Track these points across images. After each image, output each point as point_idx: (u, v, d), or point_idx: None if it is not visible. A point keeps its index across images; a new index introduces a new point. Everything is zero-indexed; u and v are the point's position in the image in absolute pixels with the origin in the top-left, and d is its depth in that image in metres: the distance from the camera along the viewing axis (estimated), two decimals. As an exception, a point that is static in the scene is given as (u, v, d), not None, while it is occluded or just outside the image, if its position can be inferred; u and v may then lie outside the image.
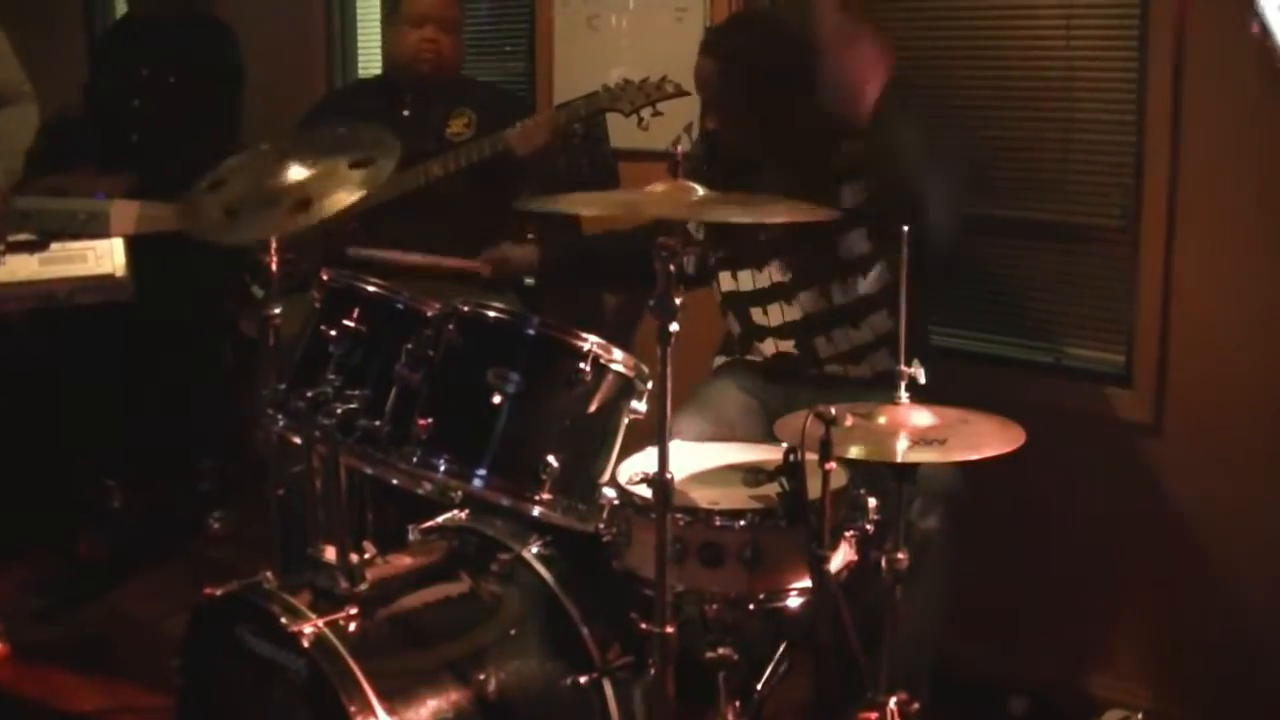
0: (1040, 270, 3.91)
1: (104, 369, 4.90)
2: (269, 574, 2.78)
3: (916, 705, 2.66)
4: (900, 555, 2.58)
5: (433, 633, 2.81)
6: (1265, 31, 2.21)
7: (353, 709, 2.51)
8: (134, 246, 4.55)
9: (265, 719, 2.73)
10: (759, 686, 2.97)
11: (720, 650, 2.68)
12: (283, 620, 2.61)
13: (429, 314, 2.83)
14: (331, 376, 2.80)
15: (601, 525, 2.77)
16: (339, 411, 2.72)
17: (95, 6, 6.88)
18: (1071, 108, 3.75)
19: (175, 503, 5.13)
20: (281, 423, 2.97)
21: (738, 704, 2.75)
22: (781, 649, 2.98)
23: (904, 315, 2.58)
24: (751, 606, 2.63)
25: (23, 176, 4.33)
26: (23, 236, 4.37)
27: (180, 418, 5.12)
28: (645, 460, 2.78)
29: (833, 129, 3.36)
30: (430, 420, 2.72)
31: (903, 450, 2.51)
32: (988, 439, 2.54)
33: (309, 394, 2.76)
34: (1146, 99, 3.54)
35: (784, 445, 2.50)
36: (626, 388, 2.82)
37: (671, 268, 2.33)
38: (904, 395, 2.62)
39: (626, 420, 2.84)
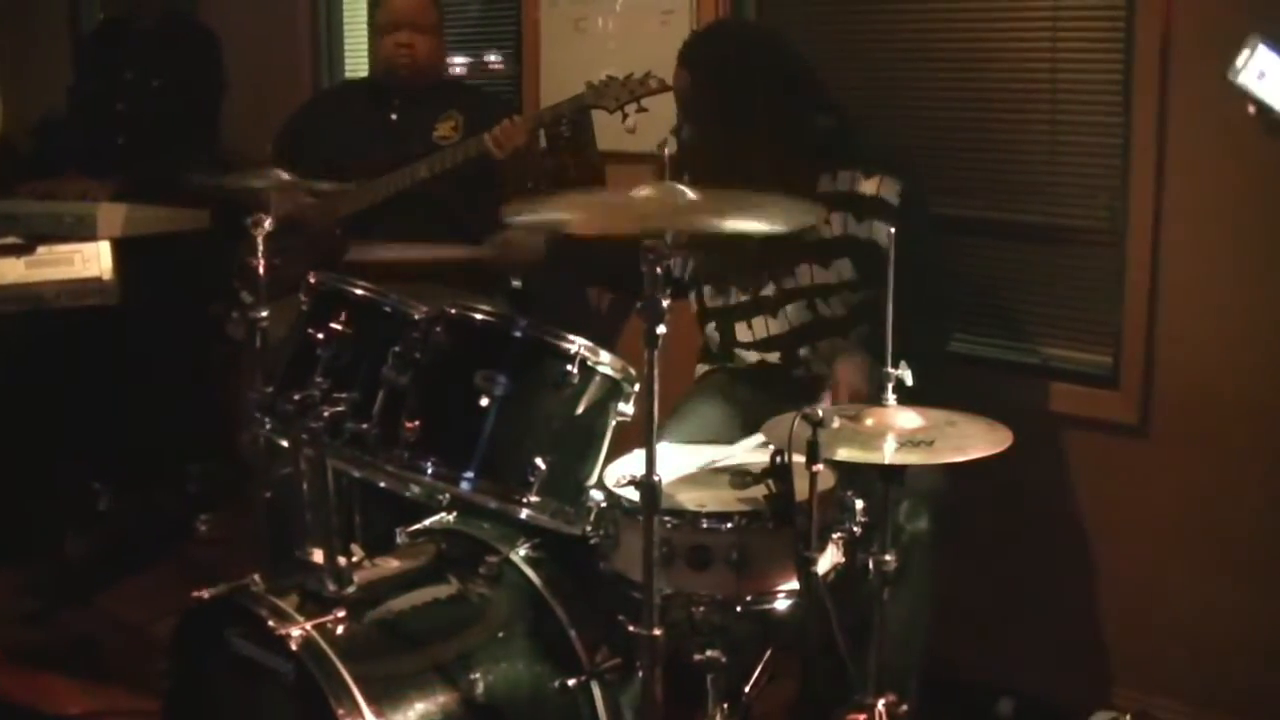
0: (1027, 272, 3.92)
1: (91, 371, 4.89)
2: (257, 577, 2.78)
3: (904, 707, 2.65)
4: (888, 557, 2.58)
5: (420, 635, 2.80)
6: (1262, 108, 2.21)
7: (340, 712, 2.50)
8: (121, 249, 4.55)
9: (253, 722, 2.74)
10: (747, 689, 2.97)
11: (708, 652, 2.67)
12: (270, 623, 2.61)
13: (416, 317, 2.82)
14: (319, 379, 2.80)
15: (589, 528, 2.76)
16: (326, 414, 2.72)
17: (80, 9, 6.86)
18: (1057, 110, 3.76)
19: (163, 505, 5.13)
20: (269, 425, 2.97)
21: (726, 706, 2.74)
22: (769, 651, 2.98)
23: (890, 317, 2.58)
24: (739, 609, 2.62)
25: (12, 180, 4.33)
26: (9, 240, 4.36)
27: (167, 420, 5.11)
28: (632, 463, 2.78)
29: (808, 143, 3.38)
30: (418, 423, 2.72)
31: (890, 452, 2.51)
32: (975, 440, 2.54)
33: (296, 396, 2.76)
34: (1132, 101, 3.55)
35: (771, 447, 2.50)
36: (614, 390, 2.82)
37: (659, 270, 2.32)
38: (891, 397, 2.62)
39: (614, 423, 2.84)
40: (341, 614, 2.67)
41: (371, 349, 2.80)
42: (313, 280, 2.99)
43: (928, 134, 4.02)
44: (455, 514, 3.15)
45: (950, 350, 3.94)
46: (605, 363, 2.78)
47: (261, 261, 3.10)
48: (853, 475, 2.71)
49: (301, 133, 4.63)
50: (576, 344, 2.74)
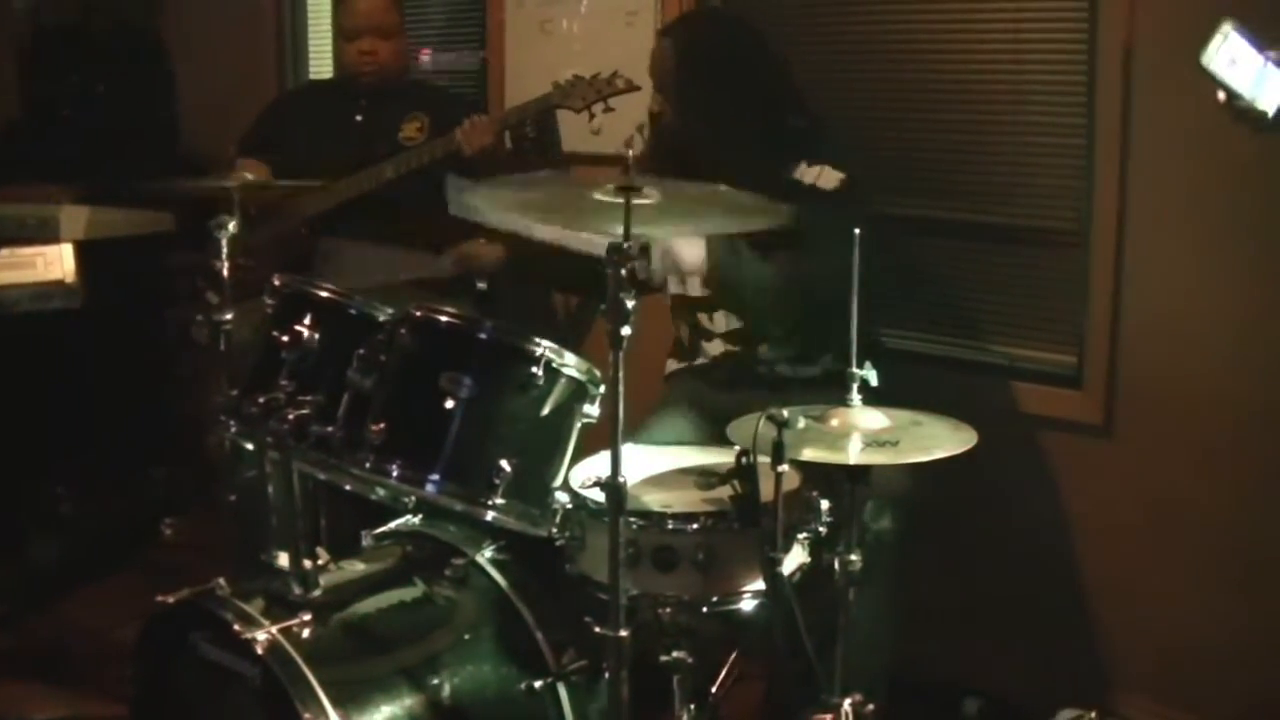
0: (992, 273, 3.93)
1: (53, 375, 4.87)
2: (222, 581, 2.77)
3: (871, 707, 2.66)
4: (853, 557, 2.58)
5: (387, 638, 2.79)
6: (1231, 94, 2.23)
7: (307, 716, 2.50)
8: (83, 252, 4.53)
9: (219, 727, 2.73)
10: (714, 689, 2.98)
11: (675, 653, 2.68)
12: (236, 627, 2.60)
13: (381, 319, 2.82)
14: (284, 382, 2.79)
15: (555, 529, 2.77)
16: (292, 417, 2.72)
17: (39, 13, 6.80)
18: (1021, 112, 3.77)
19: (127, 510, 5.10)
20: (234, 428, 2.96)
21: (693, 707, 2.75)
22: (736, 652, 2.99)
23: (854, 316, 2.58)
24: (705, 610, 2.63)
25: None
26: (-31, 243, 4.34)
27: (131, 424, 5.09)
28: (598, 464, 2.78)
29: (779, 139, 3.39)
30: (383, 425, 2.71)
31: (856, 452, 2.51)
32: (940, 441, 2.54)
33: (261, 399, 2.75)
34: (1096, 102, 3.57)
35: (737, 448, 2.51)
36: (579, 392, 2.82)
37: (624, 272, 2.32)
38: (856, 397, 2.63)
39: (579, 424, 2.84)
40: (307, 618, 2.67)
41: (337, 351, 2.80)
42: (277, 282, 2.99)
43: (892, 135, 4.03)
44: (421, 516, 3.15)
45: (915, 350, 3.96)
46: (570, 364, 2.78)
47: (226, 264, 3.09)
48: (818, 475, 2.71)
49: (267, 134, 4.62)
50: (542, 346, 2.74)
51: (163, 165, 4.80)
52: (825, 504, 2.72)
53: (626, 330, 2.33)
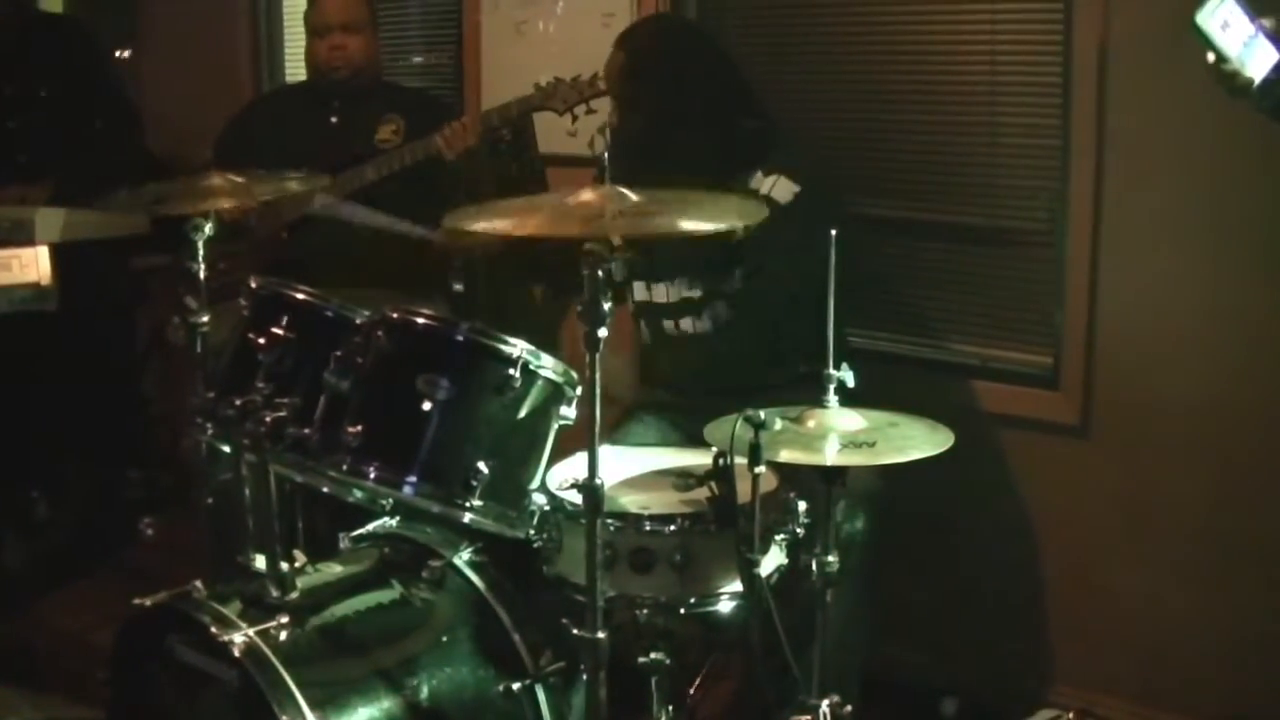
0: (967, 273, 3.93)
1: (28, 377, 4.84)
2: (199, 583, 2.77)
3: (848, 708, 2.67)
4: (830, 558, 2.59)
5: (364, 640, 2.79)
6: (1219, 57, 2.25)
7: (284, 718, 2.50)
8: (59, 254, 4.50)
9: (196, 729, 2.72)
10: (691, 691, 2.98)
11: (652, 655, 2.68)
12: (213, 630, 2.60)
13: (358, 321, 2.82)
14: (260, 384, 2.79)
15: (532, 531, 2.77)
16: (268, 419, 2.71)
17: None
18: (996, 111, 3.78)
19: (103, 512, 5.08)
20: (210, 431, 2.96)
21: (670, 709, 2.75)
22: (713, 653, 2.99)
23: (831, 318, 2.58)
24: (683, 611, 2.64)
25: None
26: (-56, 246, 4.31)
27: (107, 426, 5.07)
28: (575, 466, 2.78)
29: (732, 144, 3.40)
30: (360, 427, 2.71)
31: (833, 454, 2.51)
32: (916, 442, 2.55)
33: (238, 402, 2.75)
34: (1071, 102, 3.57)
35: (714, 450, 2.51)
36: (556, 394, 2.82)
37: (600, 273, 2.32)
38: (833, 399, 2.63)
39: (556, 426, 2.84)
40: (285, 620, 2.66)
41: (313, 353, 2.80)
42: (253, 285, 2.98)
43: (867, 136, 4.03)
44: (398, 518, 3.14)
45: (891, 351, 3.96)
46: (547, 366, 2.78)
47: (202, 266, 3.09)
48: (794, 477, 2.71)
49: (242, 137, 4.60)
50: (518, 348, 2.74)
51: (128, 166, 4.75)
52: (803, 505, 2.72)
53: (603, 332, 2.33)
